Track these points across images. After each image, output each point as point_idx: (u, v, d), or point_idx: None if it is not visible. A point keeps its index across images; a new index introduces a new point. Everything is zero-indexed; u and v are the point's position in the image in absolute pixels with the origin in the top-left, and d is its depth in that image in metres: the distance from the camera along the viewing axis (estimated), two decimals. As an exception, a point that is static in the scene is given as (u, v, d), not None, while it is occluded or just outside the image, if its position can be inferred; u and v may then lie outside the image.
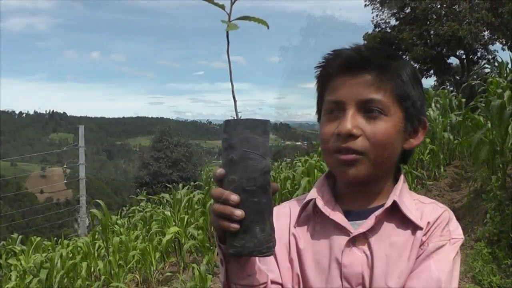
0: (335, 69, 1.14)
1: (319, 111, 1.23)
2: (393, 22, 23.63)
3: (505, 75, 8.30)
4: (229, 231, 0.91)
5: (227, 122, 0.93)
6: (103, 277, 6.90)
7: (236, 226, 0.90)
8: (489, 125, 6.09)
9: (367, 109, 1.10)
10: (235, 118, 0.94)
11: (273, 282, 1.11)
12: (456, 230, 1.12)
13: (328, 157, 1.16)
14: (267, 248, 0.91)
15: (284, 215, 1.23)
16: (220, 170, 0.93)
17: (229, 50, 0.93)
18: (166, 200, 9.15)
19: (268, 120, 0.92)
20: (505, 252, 4.55)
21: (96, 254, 7.53)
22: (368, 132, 1.09)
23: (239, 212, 0.89)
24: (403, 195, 1.15)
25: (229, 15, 0.92)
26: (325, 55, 1.18)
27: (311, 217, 1.20)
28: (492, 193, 5.41)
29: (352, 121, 1.09)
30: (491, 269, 4.43)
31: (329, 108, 1.14)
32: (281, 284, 1.14)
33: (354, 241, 1.12)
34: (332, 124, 1.13)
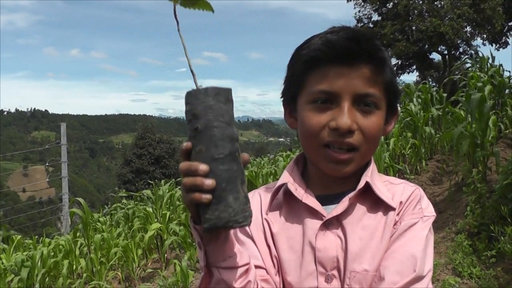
0: (330, 57, 1.06)
1: (292, 93, 1.16)
2: (375, 17, 23.81)
3: (486, 69, 8.38)
4: (202, 204, 0.85)
5: (188, 93, 0.87)
6: (84, 274, 6.85)
7: (208, 196, 0.83)
8: (470, 118, 6.14)
9: (362, 103, 1.07)
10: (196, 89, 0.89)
11: (257, 267, 1.08)
12: (427, 208, 1.11)
13: (314, 150, 1.11)
14: (243, 218, 0.85)
15: (255, 201, 1.19)
16: (186, 143, 0.87)
17: (180, 28, 0.89)
18: (148, 196, 9.09)
19: (231, 89, 0.87)
20: (485, 244, 4.59)
21: (78, 252, 7.47)
22: (363, 127, 1.07)
23: (209, 181, 0.83)
24: (374, 177, 1.14)
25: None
26: (315, 39, 1.10)
27: (283, 203, 1.18)
28: (473, 186, 5.46)
29: (350, 116, 1.05)
30: (471, 261, 4.46)
31: (318, 97, 1.08)
32: (266, 269, 1.11)
33: (327, 224, 1.10)
34: (322, 115, 1.07)
